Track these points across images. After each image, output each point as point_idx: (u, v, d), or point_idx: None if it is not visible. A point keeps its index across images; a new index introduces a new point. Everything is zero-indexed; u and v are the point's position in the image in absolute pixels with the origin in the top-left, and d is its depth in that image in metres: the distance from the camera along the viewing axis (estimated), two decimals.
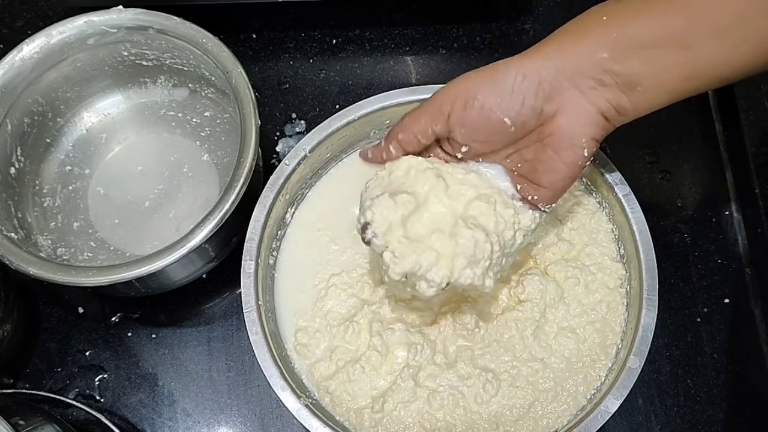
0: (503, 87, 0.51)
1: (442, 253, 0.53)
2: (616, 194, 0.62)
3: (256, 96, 0.66)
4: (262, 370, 0.57)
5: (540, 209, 0.57)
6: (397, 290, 0.61)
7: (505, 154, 0.56)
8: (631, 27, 0.49)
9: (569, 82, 0.51)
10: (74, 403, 0.64)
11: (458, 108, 0.52)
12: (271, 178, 0.63)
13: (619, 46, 0.49)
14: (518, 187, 0.56)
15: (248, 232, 0.61)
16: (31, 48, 0.68)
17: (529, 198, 0.56)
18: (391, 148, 0.57)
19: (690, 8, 0.48)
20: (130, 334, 0.71)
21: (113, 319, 0.71)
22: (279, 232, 0.65)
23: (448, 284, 0.53)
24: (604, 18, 0.50)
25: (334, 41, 0.82)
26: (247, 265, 0.60)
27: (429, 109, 0.54)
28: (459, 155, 0.56)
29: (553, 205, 0.57)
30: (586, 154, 0.53)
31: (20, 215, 0.69)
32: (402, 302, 0.62)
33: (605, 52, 0.49)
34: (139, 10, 0.68)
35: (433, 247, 0.52)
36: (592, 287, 0.62)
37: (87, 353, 0.70)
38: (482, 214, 0.54)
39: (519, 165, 0.56)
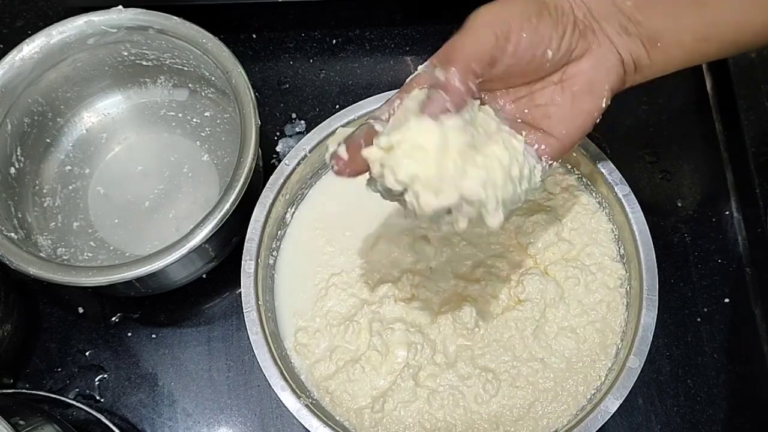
0: (549, 17, 0.47)
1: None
2: (616, 194, 0.62)
3: (256, 96, 0.66)
4: (262, 370, 0.57)
5: (544, 163, 0.51)
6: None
7: (515, 95, 0.51)
8: None
9: (598, 24, 0.49)
10: (74, 403, 0.64)
11: (516, 30, 0.46)
12: (271, 178, 0.63)
13: None
14: (523, 133, 0.51)
15: (248, 232, 0.61)
16: (31, 48, 0.68)
17: (536, 147, 0.51)
18: (462, 84, 0.46)
19: None
20: (130, 334, 0.71)
21: (113, 319, 0.71)
22: (279, 232, 0.65)
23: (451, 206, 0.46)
24: None
25: (334, 41, 0.82)
26: (247, 265, 0.60)
27: (482, 31, 0.46)
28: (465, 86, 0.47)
29: (557, 163, 0.53)
30: (603, 105, 0.50)
31: (20, 215, 0.69)
32: (402, 301, 0.62)
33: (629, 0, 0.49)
34: (139, 10, 0.68)
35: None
36: (592, 287, 0.62)
37: (87, 353, 0.70)
38: (494, 144, 0.48)
39: (526, 111, 0.51)
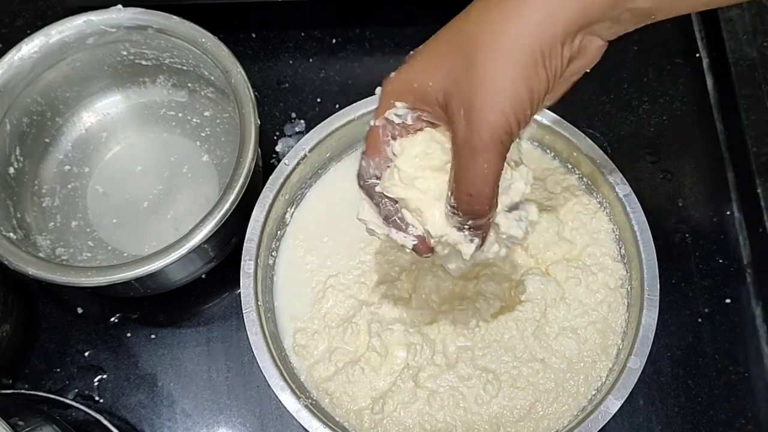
0: (540, 87, 0.43)
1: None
2: (617, 194, 0.62)
3: (255, 96, 0.66)
4: (261, 371, 0.57)
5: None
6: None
7: None
8: None
9: (586, 31, 0.44)
10: (73, 403, 0.64)
11: (516, 129, 0.42)
12: (270, 178, 0.63)
13: None
14: None
15: (248, 232, 0.61)
16: (30, 48, 0.68)
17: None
18: None
19: None
20: (129, 335, 0.71)
21: (112, 319, 0.71)
22: (278, 232, 0.65)
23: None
24: None
25: (334, 41, 0.82)
26: (247, 266, 0.60)
27: (492, 147, 0.42)
28: None
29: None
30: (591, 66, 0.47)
31: (19, 215, 0.69)
32: (401, 301, 0.62)
33: None
34: (139, 9, 0.68)
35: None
36: (594, 287, 0.62)
37: (86, 354, 0.70)
38: None
39: None
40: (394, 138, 0.48)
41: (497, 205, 0.45)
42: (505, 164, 0.45)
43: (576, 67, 0.47)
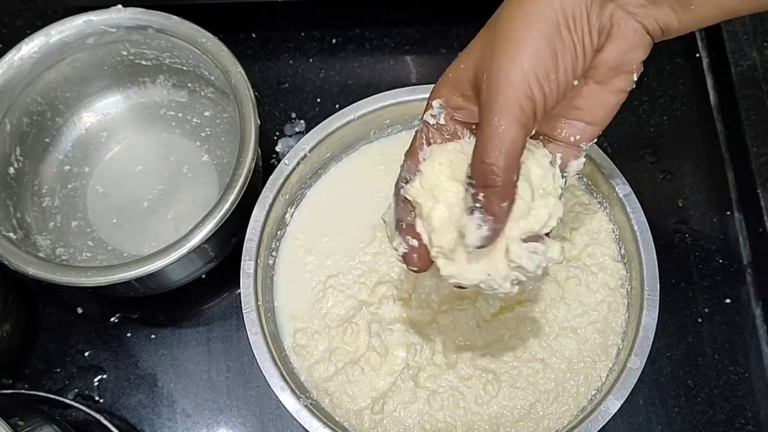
0: (565, 51, 0.41)
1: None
2: (617, 194, 0.62)
3: (255, 96, 0.66)
4: (261, 371, 0.57)
5: (581, 150, 0.49)
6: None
7: None
8: None
9: (617, 5, 0.43)
10: (73, 403, 0.64)
11: (539, 96, 0.41)
12: (270, 178, 0.63)
13: None
14: (555, 131, 0.48)
15: (248, 232, 0.61)
16: (30, 47, 0.68)
17: (571, 139, 0.48)
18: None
19: None
20: (129, 335, 0.71)
21: (112, 319, 0.71)
22: (278, 232, 0.65)
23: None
24: None
25: (334, 41, 0.82)
26: (247, 266, 0.60)
27: (509, 107, 0.41)
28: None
29: (594, 142, 0.49)
30: (635, 78, 0.46)
31: (19, 215, 0.69)
32: (401, 301, 0.62)
33: None
34: (139, 9, 0.68)
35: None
36: (594, 287, 0.62)
37: (86, 354, 0.70)
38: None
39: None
40: (428, 143, 0.48)
41: (515, 196, 0.43)
42: (528, 186, 0.44)
43: (613, 53, 0.45)
